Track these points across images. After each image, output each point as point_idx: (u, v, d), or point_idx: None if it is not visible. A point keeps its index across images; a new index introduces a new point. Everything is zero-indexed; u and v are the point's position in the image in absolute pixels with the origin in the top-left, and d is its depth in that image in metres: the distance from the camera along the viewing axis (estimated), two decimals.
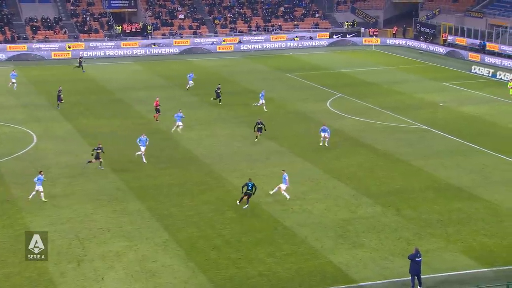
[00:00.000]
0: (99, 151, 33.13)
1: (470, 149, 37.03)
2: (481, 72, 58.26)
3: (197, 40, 72.95)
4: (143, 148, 34.63)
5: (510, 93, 48.16)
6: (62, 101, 45.68)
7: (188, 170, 34.01)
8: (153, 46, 70.74)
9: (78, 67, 59.18)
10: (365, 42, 76.15)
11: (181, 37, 73.61)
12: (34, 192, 29.08)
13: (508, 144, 37.87)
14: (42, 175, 29.52)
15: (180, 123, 39.59)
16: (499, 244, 25.32)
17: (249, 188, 28.49)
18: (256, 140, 38.13)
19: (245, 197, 28.57)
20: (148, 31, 73.18)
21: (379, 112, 45.84)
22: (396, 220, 27.67)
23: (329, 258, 24.65)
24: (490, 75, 57.20)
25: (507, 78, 55.33)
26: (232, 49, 72.42)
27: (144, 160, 34.53)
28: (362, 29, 78.36)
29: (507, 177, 32.40)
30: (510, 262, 23.97)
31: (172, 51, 70.39)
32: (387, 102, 48.41)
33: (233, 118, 44.24)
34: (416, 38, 76.05)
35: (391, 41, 76.03)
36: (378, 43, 75.34)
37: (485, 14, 72.64)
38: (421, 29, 76.76)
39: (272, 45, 73.62)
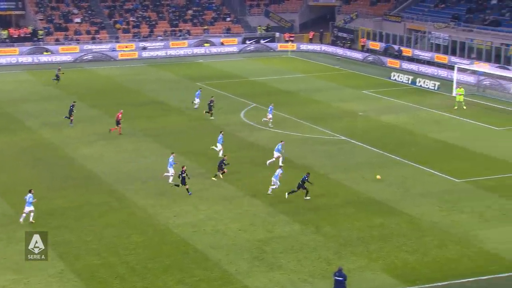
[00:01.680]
0: (184, 175, 32.20)
1: (390, 160, 38.04)
2: (401, 79, 60.26)
3: (95, 46, 71.55)
4: None
5: (455, 106, 49.80)
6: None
7: (87, 190, 33.07)
8: (44, 53, 68.75)
9: None
10: (280, 48, 77.21)
11: (78, 42, 72.00)
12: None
13: (428, 154, 39.19)
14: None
15: None
16: (421, 261, 25.97)
17: (302, 180, 31.21)
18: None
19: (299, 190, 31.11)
20: (39, 36, 71.04)
21: (296, 122, 46.41)
22: (315, 239, 27.92)
23: (245, 282, 24.51)
24: (409, 82, 59.24)
25: (426, 85, 57.51)
26: (136, 56, 71.57)
27: None
28: (277, 34, 79.41)
29: (428, 189, 33.47)
30: (432, 279, 24.62)
31: (66, 59, 68.64)
32: (304, 112, 49.09)
33: (139, 132, 43.53)
34: (333, 43, 77.88)
35: (308, 46, 77.49)
36: (294, 49, 76.58)
37: (403, 18, 75.42)
38: (339, 34, 78.71)
39: (179, 52, 73.32)
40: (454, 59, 63.03)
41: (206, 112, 46.94)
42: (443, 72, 61.13)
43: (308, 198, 32.07)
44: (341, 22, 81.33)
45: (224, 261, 25.96)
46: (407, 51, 68.78)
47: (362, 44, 74.30)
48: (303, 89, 56.88)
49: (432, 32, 68.82)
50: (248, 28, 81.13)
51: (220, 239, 27.78)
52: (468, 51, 63.75)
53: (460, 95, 49.74)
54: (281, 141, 37.38)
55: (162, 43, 74.19)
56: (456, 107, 49.44)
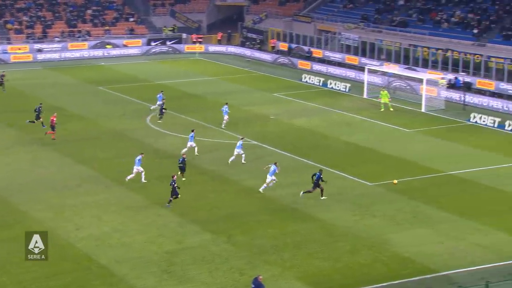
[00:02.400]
0: (175, 185, 31.83)
1: (303, 164, 38.70)
2: (312, 81, 61.43)
3: None
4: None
5: (382, 109, 51.02)
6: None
7: None
8: None
9: None
10: (187, 49, 77.07)
11: None
12: None
13: (340, 157, 40.16)
14: None
15: None
16: (333, 267, 26.54)
17: (316, 178, 32.24)
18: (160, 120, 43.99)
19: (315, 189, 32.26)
20: None
21: (206, 127, 46.44)
22: (227, 249, 28.03)
23: None
24: (321, 84, 60.51)
25: (338, 87, 58.92)
26: (31, 59, 69.59)
27: None
28: (184, 35, 79.24)
29: (341, 193, 34.28)
30: (345, 286, 25.23)
31: None
32: (214, 117, 49.14)
33: (37, 141, 42.36)
34: (243, 44, 78.47)
35: (216, 48, 77.71)
36: (202, 50, 76.65)
37: (313, 19, 76.97)
38: (248, 35, 79.38)
39: (78, 54, 71.82)
40: (364, 60, 64.86)
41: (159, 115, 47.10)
42: (354, 74, 62.79)
43: (324, 198, 32.76)
44: (250, 22, 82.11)
45: (131, 276, 25.64)
46: (317, 52, 70.22)
47: (272, 45, 75.25)
48: (212, 92, 57.00)
49: (342, 33, 70.58)
50: (153, 29, 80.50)
51: (126, 252, 27.42)
52: (378, 52, 65.77)
53: (385, 97, 51.09)
54: (242, 138, 38.86)
55: (59, 45, 72.47)
56: (382, 109, 50.85)
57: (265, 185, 34.03)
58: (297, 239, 28.90)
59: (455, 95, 53.87)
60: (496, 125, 46.62)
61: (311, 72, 65.04)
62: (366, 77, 56.95)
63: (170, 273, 25.97)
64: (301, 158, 39.77)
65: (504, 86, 54.13)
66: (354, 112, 50.54)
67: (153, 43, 76.87)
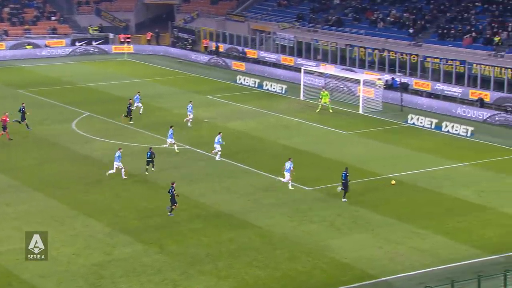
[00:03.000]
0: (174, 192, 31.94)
1: (239, 169, 38.77)
2: (247, 82, 61.65)
3: None
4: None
5: (318, 109, 51.43)
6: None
7: None
8: None
9: None
10: (115, 50, 76.25)
11: None
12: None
13: (278, 162, 40.37)
14: None
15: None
16: (271, 276, 26.66)
17: (343, 177, 33.34)
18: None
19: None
20: None
21: (136, 132, 46.01)
22: (159, 259, 27.81)
23: None
24: (256, 85, 60.77)
25: (274, 88, 59.29)
26: None
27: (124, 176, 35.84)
28: (111, 35, 78.34)
29: (279, 199, 34.49)
30: None
31: None
32: (144, 120, 48.74)
33: None
34: (174, 45, 78.11)
35: (146, 48, 77.11)
36: (131, 51, 75.95)
37: (247, 18, 77.27)
38: (179, 35, 79.08)
39: None
40: (300, 61, 65.49)
41: (124, 116, 46.81)
42: (290, 75, 63.30)
43: (345, 200, 33.68)
44: (181, 21, 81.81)
45: None
46: (252, 53, 70.51)
47: (205, 45, 75.19)
48: (142, 95, 56.39)
49: (277, 33, 71.08)
50: (77, 28, 79.24)
51: (50, 266, 26.87)
52: (314, 53, 66.52)
53: (325, 97, 51.63)
54: (219, 133, 40.54)
55: None
56: (318, 110, 51.37)
57: (288, 181, 35.15)
58: (233, 247, 28.90)
59: (393, 96, 54.97)
60: (433, 126, 47.78)
61: (246, 73, 65.26)
62: (302, 78, 57.50)
63: (98, 287, 25.57)
64: (237, 163, 39.81)
65: (441, 86, 55.53)
66: (291, 115, 50.95)
67: (78, 43, 75.69)
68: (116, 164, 36.56)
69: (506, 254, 28.32)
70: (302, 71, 58.14)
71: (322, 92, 52.73)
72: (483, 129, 47.34)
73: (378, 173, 38.25)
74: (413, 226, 31.07)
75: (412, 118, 49.22)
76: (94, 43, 76.43)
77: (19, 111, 45.40)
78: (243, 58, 69.94)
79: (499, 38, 58.35)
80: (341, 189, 34.18)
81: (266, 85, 60.19)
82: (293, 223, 31.43)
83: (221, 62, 70.38)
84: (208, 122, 49.07)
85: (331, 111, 51.32)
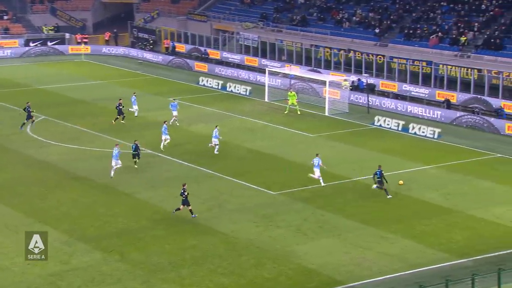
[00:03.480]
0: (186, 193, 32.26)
1: (203, 174, 38.79)
2: (210, 84, 61.69)
3: None
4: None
5: (286, 111, 51.65)
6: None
7: None
8: None
9: None
10: (72, 51, 75.74)
11: None
12: None
13: (242, 166, 40.53)
14: None
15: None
16: (236, 283, 26.74)
17: (378, 175, 34.75)
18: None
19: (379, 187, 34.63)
20: None
21: (94, 136, 45.76)
22: (120, 267, 27.70)
23: None
24: (219, 87, 60.82)
25: (238, 90, 59.42)
26: None
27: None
28: (67, 35, 77.77)
29: (244, 203, 34.60)
30: None
31: None
32: (103, 123, 48.50)
33: None
34: (133, 45, 77.79)
35: (104, 49, 76.69)
36: (89, 52, 75.48)
37: (209, 17, 77.31)
38: (139, 35, 78.80)
39: None
40: (264, 61, 65.74)
41: (115, 119, 47.30)
42: (254, 76, 63.52)
43: (390, 197, 34.99)
44: (141, 21, 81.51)
45: None
46: (215, 54, 70.56)
47: (166, 46, 75.02)
48: (101, 98, 56.17)
49: (241, 33, 71.28)
50: (31, 28, 78.42)
51: (5, 278, 26.61)
52: (279, 53, 66.86)
53: (293, 98, 51.87)
54: (216, 126, 42.17)
55: None
56: (286, 112, 51.62)
57: (319, 177, 36.37)
58: (197, 255, 28.93)
59: (359, 98, 55.50)
60: (400, 128, 48.34)
61: (209, 74, 65.29)
62: (267, 80, 57.73)
63: None
64: (201, 167, 39.83)
65: (407, 87, 56.22)
66: (256, 117, 51.13)
67: (32, 44, 74.92)
68: (114, 162, 37.32)
69: (474, 258, 28.81)
70: (267, 72, 58.38)
71: (289, 93, 53.04)
72: (450, 130, 48.07)
73: (345, 176, 38.59)
74: (381, 230, 31.42)
75: (378, 120, 49.76)
76: (49, 44, 75.74)
77: (24, 110, 46.28)
78: (205, 59, 69.94)
79: (465, 38, 59.32)
80: (377, 187, 35.18)
81: (230, 86, 60.29)
82: (259, 229, 31.56)
83: (183, 63, 70.30)
84: (168, 125, 48.88)
85: (299, 113, 51.58)
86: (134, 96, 50.82)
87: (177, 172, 39.15)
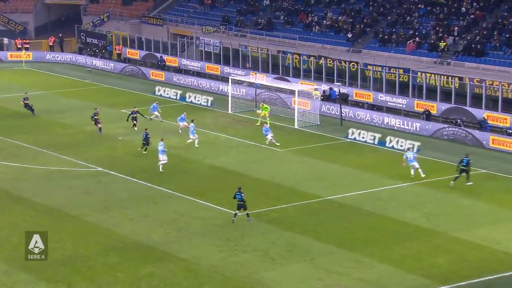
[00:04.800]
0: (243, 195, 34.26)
1: (159, 193, 38.55)
2: (168, 94, 61.51)
3: None
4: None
5: (259, 123, 51.70)
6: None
7: None
8: None
9: None
10: (11, 57, 75.15)
11: None
12: None
13: (204, 184, 40.35)
14: None
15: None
16: None
17: (464, 163, 38.07)
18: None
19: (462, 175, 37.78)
20: None
21: (37, 152, 45.35)
22: None
23: None
24: (178, 97, 60.64)
25: (198, 101, 59.27)
26: None
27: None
28: (6, 40, 77.17)
29: (206, 226, 34.40)
30: None
31: None
32: (47, 139, 48.07)
33: None
34: (81, 51, 77.35)
35: (48, 56, 76.13)
36: (31, 58, 74.90)
37: (166, 21, 77.24)
38: (88, 40, 78.38)
39: None
40: (227, 69, 65.85)
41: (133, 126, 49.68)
42: (216, 85, 63.49)
43: (470, 183, 38.67)
44: (89, 25, 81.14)
45: None
46: (172, 60, 70.46)
47: (118, 52, 74.73)
48: (45, 110, 55.68)
49: (201, 38, 71.32)
50: None
51: None
52: (243, 60, 67.00)
53: (265, 110, 51.97)
54: (192, 120, 46.99)
55: None
56: (258, 123, 51.63)
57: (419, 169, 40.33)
58: (154, 283, 28.69)
59: (331, 108, 55.75)
60: (376, 141, 48.65)
61: (166, 83, 65.10)
62: (230, 89, 57.73)
63: None
64: (157, 186, 39.59)
65: (383, 97, 56.68)
66: (219, 130, 51.05)
67: None
68: (161, 157, 41.45)
69: (458, 284, 28.96)
70: (230, 81, 58.39)
71: (262, 105, 52.99)
72: (430, 144, 48.50)
73: (317, 194, 38.64)
74: (357, 254, 31.47)
75: (353, 133, 50.03)
76: None
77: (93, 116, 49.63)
78: (162, 66, 69.79)
79: (444, 43, 60.12)
80: (456, 178, 38.73)
81: (190, 97, 60.17)
82: (223, 254, 31.42)
83: (137, 71, 70.03)
84: (122, 140, 48.63)
85: (267, 125, 51.49)
86: (155, 104, 53.18)
87: (132, 191, 38.85)
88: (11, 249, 31.41)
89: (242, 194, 34.24)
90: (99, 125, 49.47)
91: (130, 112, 50.52)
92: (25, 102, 53.52)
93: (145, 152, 44.45)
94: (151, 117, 52.42)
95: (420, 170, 40.73)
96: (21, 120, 52.94)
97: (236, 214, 34.40)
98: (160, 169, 41.53)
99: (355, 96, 58.14)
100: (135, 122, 50.12)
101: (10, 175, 41.06)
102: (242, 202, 34.32)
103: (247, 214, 34.47)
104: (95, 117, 49.48)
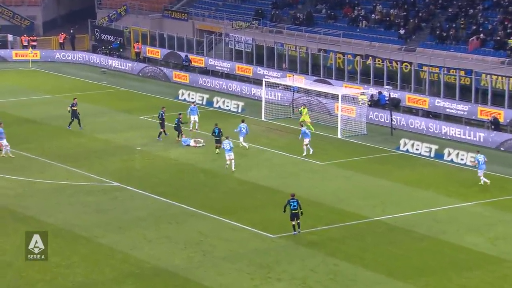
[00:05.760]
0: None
1: (182, 211, 38.69)
2: (192, 98, 61.54)
3: None
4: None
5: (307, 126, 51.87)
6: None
7: None
8: None
9: None
10: (16, 56, 75.90)
11: None
12: None
13: (233, 200, 40.41)
14: None
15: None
16: None
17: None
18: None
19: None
20: None
21: (45, 164, 45.76)
22: None
23: None
24: (204, 102, 60.81)
25: (227, 106, 59.42)
26: None
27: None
28: (11, 37, 77.89)
29: (235, 249, 34.43)
30: None
31: None
32: (57, 149, 48.52)
33: None
34: (95, 50, 77.96)
35: (58, 54, 76.81)
36: (38, 58, 75.60)
37: (191, 15, 77.61)
38: (102, 37, 78.98)
39: None
40: (261, 70, 65.93)
41: (179, 135, 50.13)
42: (248, 89, 63.59)
43: None
44: (105, 20, 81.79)
45: None
46: (198, 60, 70.73)
47: (137, 50, 75.22)
48: (53, 117, 56.19)
49: (231, 35, 71.48)
50: None
51: None
52: (278, 60, 67.00)
53: (305, 115, 52.13)
54: (242, 121, 49.52)
55: None
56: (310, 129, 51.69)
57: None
58: None
59: (380, 116, 55.55)
60: (432, 154, 48.37)
61: (191, 86, 65.35)
62: (264, 93, 57.81)
63: None
64: (180, 203, 39.74)
65: (441, 103, 56.33)
66: (250, 140, 51.08)
67: None
68: (227, 155, 44.05)
69: None
70: (264, 83, 58.47)
71: (301, 108, 53.04)
72: (497, 157, 48.06)
73: (363, 215, 38.54)
74: (409, 284, 31.30)
75: (405, 144, 49.83)
76: None
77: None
78: (186, 67, 70.11)
79: None
80: None
81: (217, 102, 60.34)
82: (254, 282, 31.45)
83: (158, 72, 70.45)
84: (141, 150, 48.91)
85: (312, 129, 51.26)
86: (194, 107, 53.33)
87: (150, 209, 39.03)
88: (14, 275, 31.62)
89: (296, 201, 35.41)
90: (163, 129, 50.24)
91: (177, 120, 50.34)
92: (73, 108, 52.60)
93: (219, 151, 47.28)
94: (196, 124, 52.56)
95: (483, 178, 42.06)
96: (26, 128, 53.42)
97: (294, 226, 35.55)
98: (233, 168, 44.39)
99: (408, 101, 57.89)
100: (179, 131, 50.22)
101: (14, 190, 41.44)
102: (296, 211, 35.26)
103: (298, 224, 35.59)
104: (163, 117, 50.36)
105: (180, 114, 50.88)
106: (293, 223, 35.56)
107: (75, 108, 52.48)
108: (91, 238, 35.40)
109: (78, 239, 35.15)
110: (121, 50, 74.86)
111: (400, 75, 59.68)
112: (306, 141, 47.82)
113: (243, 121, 49.24)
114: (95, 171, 44.28)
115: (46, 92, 64.07)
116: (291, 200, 35.41)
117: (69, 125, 52.48)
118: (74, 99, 53.11)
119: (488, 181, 42.41)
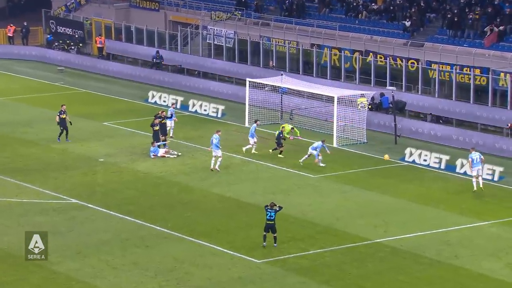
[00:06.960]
0: None
1: (153, 233, 38.63)
2: (165, 101, 61.65)
3: None
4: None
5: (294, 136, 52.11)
6: None
7: None
8: None
9: None
10: None
11: None
12: None
13: (212, 220, 40.42)
14: None
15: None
16: None
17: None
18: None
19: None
20: None
21: None
22: None
23: None
24: (178, 106, 60.68)
25: (205, 110, 59.44)
26: None
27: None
28: None
29: (215, 277, 34.33)
30: None
31: None
32: (4, 161, 48.64)
33: None
34: (50, 45, 77.87)
35: (6, 50, 76.80)
36: None
37: (163, 5, 77.64)
38: (59, 30, 78.88)
39: None
40: (244, 68, 65.97)
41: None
42: (229, 90, 63.65)
43: None
44: (62, 10, 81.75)
45: None
46: (171, 57, 70.74)
47: (99, 46, 75.17)
48: (2, 123, 56.06)
49: (210, 27, 71.58)
50: None
51: None
52: (265, 57, 67.12)
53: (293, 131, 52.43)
54: (255, 121, 50.79)
55: None
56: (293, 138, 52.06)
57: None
58: None
59: (383, 121, 55.68)
60: (443, 165, 48.50)
61: (163, 87, 65.36)
62: (247, 95, 57.84)
63: None
64: (150, 224, 39.74)
65: (453, 106, 56.52)
66: (232, 150, 51.14)
67: None
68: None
69: None
70: (248, 84, 58.51)
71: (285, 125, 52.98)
72: None
73: (364, 236, 38.61)
74: None
75: (411, 154, 49.98)
76: None
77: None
78: (158, 64, 70.13)
79: None
80: None
81: (194, 105, 60.44)
82: None
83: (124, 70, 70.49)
84: (104, 162, 48.88)
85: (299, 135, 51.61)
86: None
87: (115, 231, 38.99)
88: None
89: (274, 211, 36.09)
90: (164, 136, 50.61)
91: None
92: (62, 116, 52.01)
93: (282, 156, 49.30)
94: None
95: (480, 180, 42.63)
96: None
97: (265, 236, 36.31)
98: (217, 168, 46.59)
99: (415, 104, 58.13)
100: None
101: None
102: (272, 223, 35.61)
103: (275, 238, 36.36)
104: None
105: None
106: (265, 233, 36.25)
107: (64, 117, 51.95)
108: (44, 265, 35.25)
109: (29, 267, 34.98)
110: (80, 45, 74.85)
111: (406, 74, 59.89)
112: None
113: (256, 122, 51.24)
114: (50, 187, 44.22)
115: None
116: (269, 209, 35.93)
117: (59, 137, 51.99)
118: (62, 105, 52.58)
119: (481, 185, 42.73)
